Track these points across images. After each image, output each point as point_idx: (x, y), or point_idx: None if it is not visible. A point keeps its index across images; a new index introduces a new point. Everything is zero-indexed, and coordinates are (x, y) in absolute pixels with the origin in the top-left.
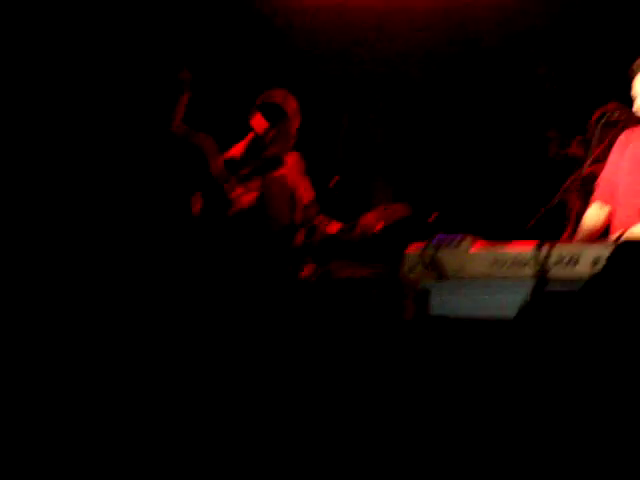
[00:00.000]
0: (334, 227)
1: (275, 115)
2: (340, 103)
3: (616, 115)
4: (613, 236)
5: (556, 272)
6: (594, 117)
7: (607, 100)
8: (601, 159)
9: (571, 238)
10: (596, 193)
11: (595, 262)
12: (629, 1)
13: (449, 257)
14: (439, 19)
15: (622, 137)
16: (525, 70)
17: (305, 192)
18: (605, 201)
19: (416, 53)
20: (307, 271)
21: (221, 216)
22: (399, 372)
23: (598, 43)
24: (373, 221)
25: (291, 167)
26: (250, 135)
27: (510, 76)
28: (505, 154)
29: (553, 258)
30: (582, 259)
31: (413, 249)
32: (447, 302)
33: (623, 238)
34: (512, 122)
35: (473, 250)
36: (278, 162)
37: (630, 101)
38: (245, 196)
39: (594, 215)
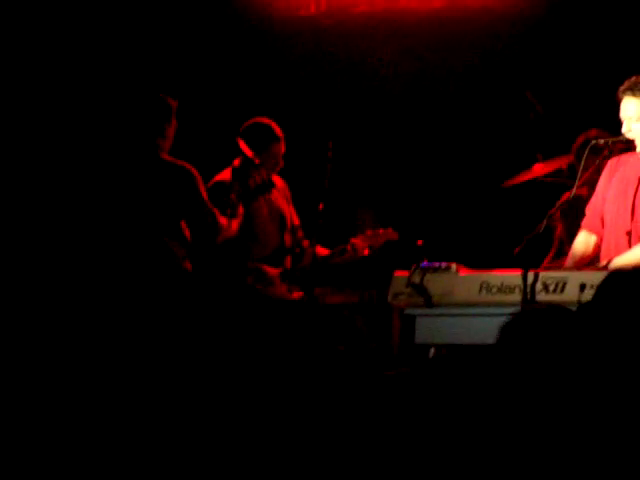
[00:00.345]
0: (321, 252)
1: (259, 144)
2: (325, 129)
3: (602, 141)
4: (601, 263)
5: (543, 298)
6: (577, 143)
7: (588, 126)
8: (587, 185)
9: (553, 261)
10: (584, 220)
11: (582, 288)
12: (611, 26)
13: (436, 283)
14: (425, 44)
15: (609, 165)
16: (510, 97)
17: (292, 217)
18: (593, 228)
19: (403, 78)
20: (295, 296)
21: (209, 242)
22: (386, 398)
23: (579, 68)
24: (360, 245)
25: (279, 191)
26: (237, 160)
27: (495, 103)
28: (491, 180)
29: (540, 284)
30: (569, 285)
31: (400, 275)
32: (434, 328)
33: (610, 265)
34: (498, 147)
35: (460, 275)
36: (268, 186)
37: (610, 127)
38: (234, 221)
39: (582, 242)
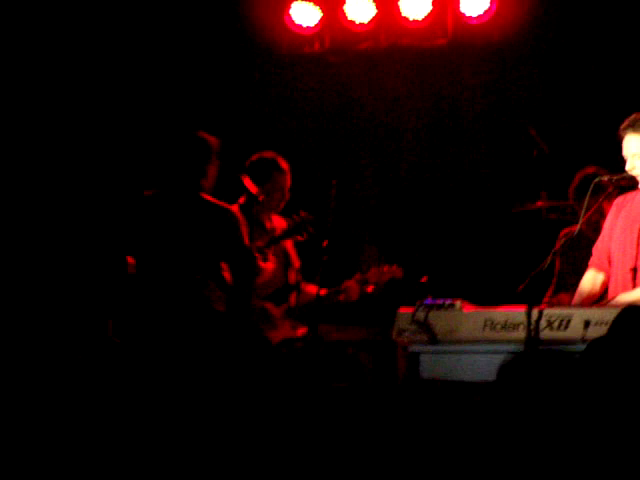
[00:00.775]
0: (320, 291)
1: (264, 177)
2: (329, 167)
3: (606, 178)
4: (608, 300)
5: (547, 335)
6: (575, 182)
7: (592, 162)
8: (591, 223)
9: (553, 296)
10: (592, 259)
11: (586, 325)
12: (615, 65)
13: (440, 320)
14: (429, 80)
15: (615, 203)
16: (514, 134)
17: (294, 255)
18: (600, 267)
19: (407, 114)
20: (299, 332)
21: (249, 284)
22: (390, 435)
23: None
24: (353, 289)
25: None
26: (242, 198)
27: (499, 140)
28: (495, 217)
29: (544, 321)
30: (573, 322)
31: (404, 311)
32: (438, 365)
33: (613, 302)
34: (502, 185)
35: (464, 312)
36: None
37: (609, 164)
38: (269, 263)
39: (589, 281)
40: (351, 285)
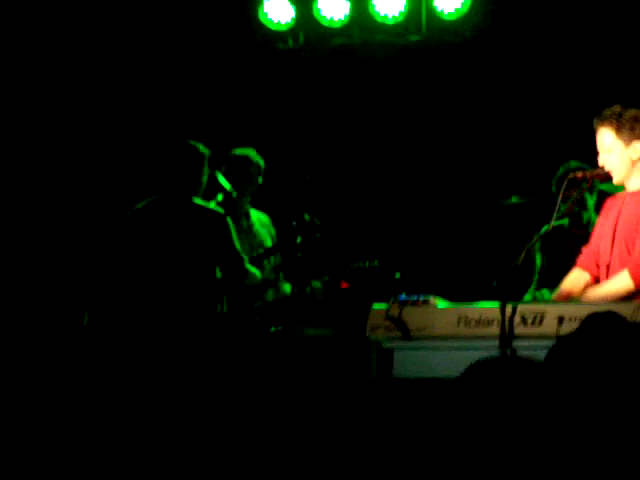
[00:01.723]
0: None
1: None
2: (304, 162)
3: (580, 174)
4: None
5: (521, 331)
6: (559, 175)
7: (570, 157)
8: (568, 216)
9: (533, 293)
10: (579, 258)
11: (560, 321)
12: (592, 57)
13: (414, 316)
14: (402, 76)
15: (607, 204)
16: (488, 130)
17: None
18: (586, 267)
19: (380, 110)
20: (274, 329)
21: (236, 286)
22: (363, 433)
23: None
24: (319, 288)
25: (263, 226)
26: (219, 195)
27: (473, 137)
28: (470, 212)
29: (518, 317)
30: (547, 318)
31: (378, 308)
32: (412, 361)
33: (584, 298)
34: (477, 179)
35: (438, 308)
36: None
37: (589, 159)
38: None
39: (572, 279)
40: (316, 285)
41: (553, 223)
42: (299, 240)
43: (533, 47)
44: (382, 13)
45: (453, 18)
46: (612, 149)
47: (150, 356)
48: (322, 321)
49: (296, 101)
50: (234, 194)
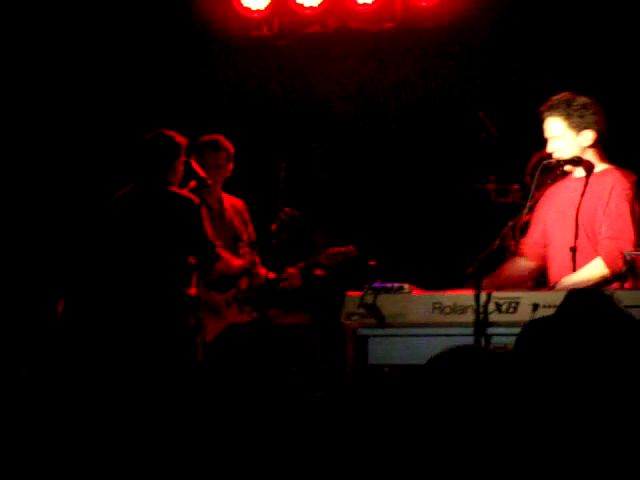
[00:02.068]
0: (269, 275)
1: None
2: (278, 151)
3: (554, 161)
4: (551, 283)
5: (496, 318)
6: (531, 162)
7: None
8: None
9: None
10: (522, 248)
11: (534, 308)
12: (564, 47)
13: (389, 303)
14: (376, 63)
15: (548, 192)
16: (463, 117)
17: (250, 238)
18: (532, 256)
19: (355, 99)
20: (247, 318)
21: (206, 270)
22: (339, 420)
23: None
24: (294, 275)
25: (238, 213)
26: (193, 182)
27: (448, 123)
28: (445, 201)
29: (492, 304)
30: (521, 305)
31: (352, 295)
32: (387, 348)
33: (559, 285)
34: (452, 169)
35: (412, 295)
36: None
37: None
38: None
39: (516, 265)
40: (293, 272)
41: (527, 210)
42: (276, 228)
43: (510, 34)
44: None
45: (428, 4)
46: (562, 137)
47: (124, 342)
48: (297, 308)
49: (271, 88)
50: (206, 181)
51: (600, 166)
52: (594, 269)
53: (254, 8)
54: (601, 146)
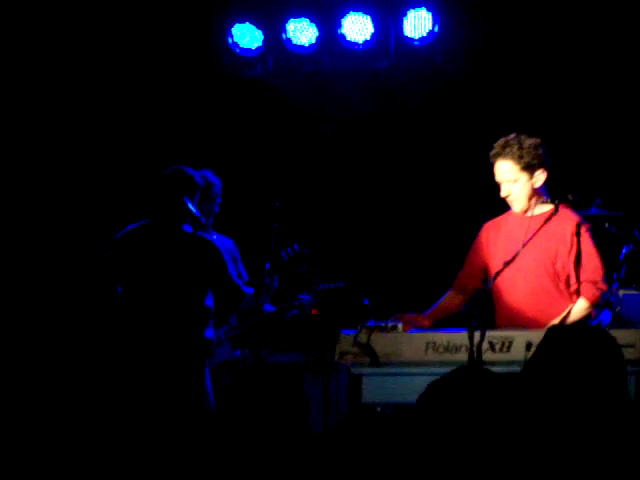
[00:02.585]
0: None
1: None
2: (272, 189)
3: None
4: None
5: (490, 357)
6: None
7: None
8: None
9: None
10: (455, 282)
11: (528, 347)
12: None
13: (382, 342)
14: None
15: (485, 228)
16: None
17: (241, 276)
18: (461, 290)
19: (350, 138)
20: (241, 356)
21: (232, 311)
22: (332, 461)
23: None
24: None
25: (226, 251)
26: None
27: (442, 162)
28: (437, 237)
29: (486, 343)
30: (515, 344)
31: (346, 334)
32: (380, 387)
33: (551, 324)
34: (443, 204)
35: (406, 334)
36: None
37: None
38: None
39: (448, 299)
40: (306, 299)
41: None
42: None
43: (503, 69)
44: (350, 38)
45: (422, 43)
46: (516, 180)
47: (138, 382)
48: (292, 347)
49: (263, 129)
50: (201, 220)
51: (548, 205)
52: (582, 309)
53: (248, 47)
54: (547, 184)
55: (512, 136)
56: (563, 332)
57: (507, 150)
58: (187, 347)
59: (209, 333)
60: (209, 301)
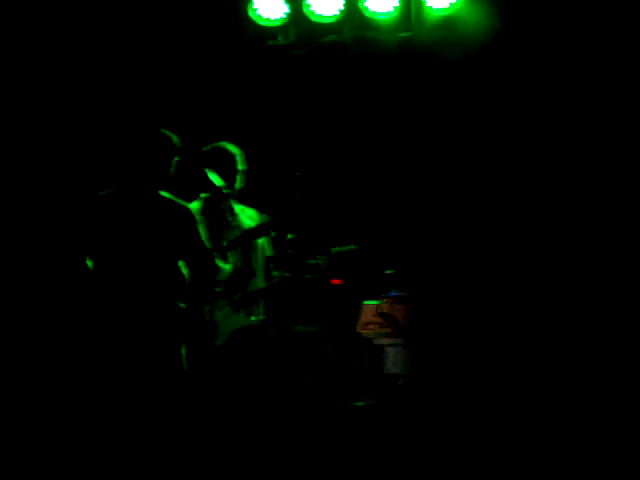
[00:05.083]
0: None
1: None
2: (293, 160)
3: None
4: None
5: None
6: None
7: None
8: None
9: None
10: None
11: None
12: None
13: (404, 312)
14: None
15: None
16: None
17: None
18: None
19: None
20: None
21: (206, 282)
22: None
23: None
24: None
25: (251, 220)
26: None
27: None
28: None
29: None
30: None
31: (369, 304)
32: (402, 357)
33: None
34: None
35: None
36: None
37: None
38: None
39: None
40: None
41: None
42: (290, 236)
43: (524, 42)
44: (372, 9)
45: (443, 14)
46: None
47: (113, 350)
48: (313, 317)
49: (286, 98)
50: (226, 190)
51: None
52: None
53: (270, 17)
54: None
55: None
56: None
57: None
58: (161, 316)
59: (185, 302)
60: (183, 270)
